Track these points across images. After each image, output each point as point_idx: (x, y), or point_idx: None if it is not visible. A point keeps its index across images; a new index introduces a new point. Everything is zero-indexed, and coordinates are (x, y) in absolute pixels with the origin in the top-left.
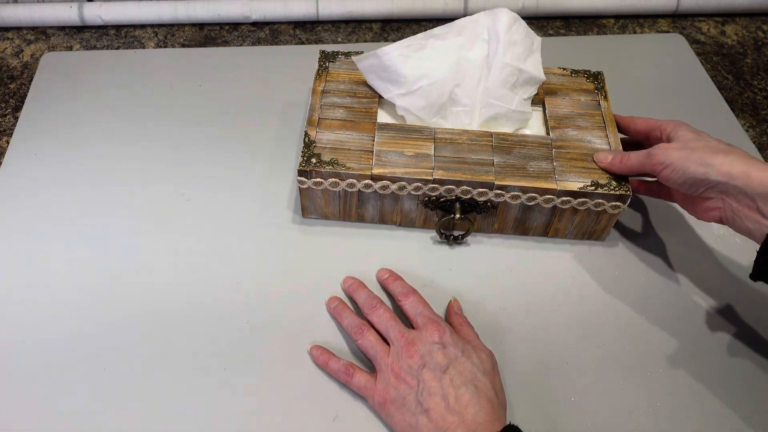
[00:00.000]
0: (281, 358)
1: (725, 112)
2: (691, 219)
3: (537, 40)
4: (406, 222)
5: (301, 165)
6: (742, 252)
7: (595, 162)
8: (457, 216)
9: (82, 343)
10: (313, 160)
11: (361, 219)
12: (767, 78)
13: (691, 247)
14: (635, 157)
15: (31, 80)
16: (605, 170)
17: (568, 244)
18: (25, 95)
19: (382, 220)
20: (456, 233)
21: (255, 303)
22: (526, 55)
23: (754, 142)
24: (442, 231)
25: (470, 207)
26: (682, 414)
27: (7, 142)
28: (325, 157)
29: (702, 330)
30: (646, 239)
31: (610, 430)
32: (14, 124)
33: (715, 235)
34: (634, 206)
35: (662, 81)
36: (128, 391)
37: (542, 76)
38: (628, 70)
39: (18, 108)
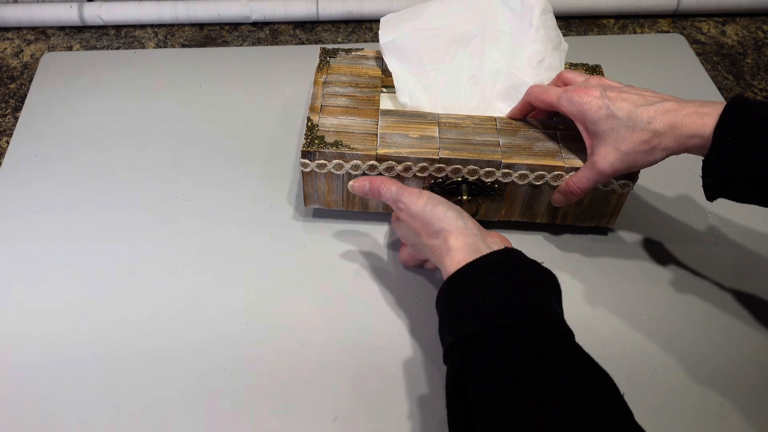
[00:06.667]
0: (281, 358)
1: None
2: (690, 220)
3: (565, 44)
4: None
5: (304, 146)
6: (741, 252)
7: (555, 205)
8: (465, 197)
9: (81, 343)
10: (317, 142)
11: (364, 207)
12: (767, 78)
13: (695, 248)
14: (586, 181)
15: (31, 80)
16: (565, 204)
17: (576, 236)
18: (25, 95)
19: (387, 207)
20: None
21: (255, 303)
22: (553, 46)
23: None
24: None
25: (477, 190)
26: (682, 414)
27: (7, 142)
28: (329, 139)
29: (702, 329)
30: (646, 239)
31: None
32: (14, 124)
33: (715, 235)
34: (638, 206)
35: (662, 81)
36: (128, 391)
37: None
38: (628, 70)
39: (18, 108)
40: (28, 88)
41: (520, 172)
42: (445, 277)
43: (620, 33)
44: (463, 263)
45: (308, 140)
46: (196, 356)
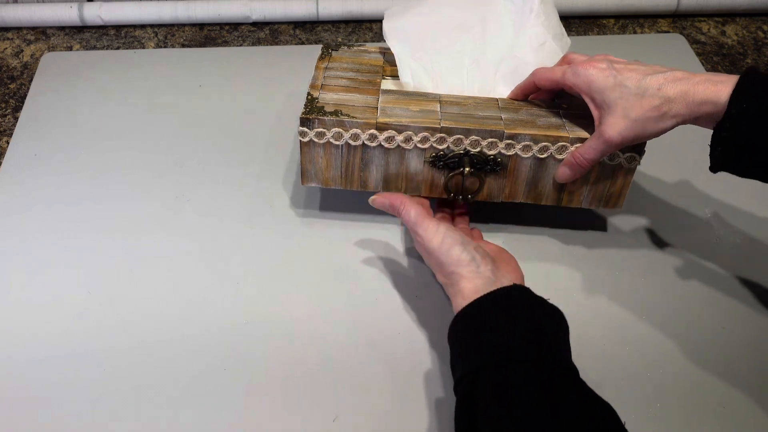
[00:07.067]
0: (281, 358)
1: None
2: (692, 217)
3: (567, 38)
4: (411, 188)
5: (303, 114)
6: (743, 251)
7: (561, 181)
8: (467, 169)
9: (82, 342)
10: (316, 110)
11: (364, 185)
12: None
13: (697, 244)
14: (593, 151)
15: (31, 80)
16: (572, 180)
17: (577, 231)
18: (25, 95)
19: (387, 185)
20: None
21: (255, 302)
22: (554, 34)
23: None
24: (450, 191)
25: (479, 165)
26: (682, 413)
27: (7, 142)
28: (329, 109)
29: (704, 328)
30: (648, 235)
31: None
32: (14, 124)
33: (717, 234)
34: (640, 203)
35: None
36: (127, 389)
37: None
38: None
39: (18, 108)
40: (28, 88)
41: (523, 143)
42: (455, 312)
43: (620, 33)
44: (472, 299)
45: (308, 109)
46: (195, 355)
